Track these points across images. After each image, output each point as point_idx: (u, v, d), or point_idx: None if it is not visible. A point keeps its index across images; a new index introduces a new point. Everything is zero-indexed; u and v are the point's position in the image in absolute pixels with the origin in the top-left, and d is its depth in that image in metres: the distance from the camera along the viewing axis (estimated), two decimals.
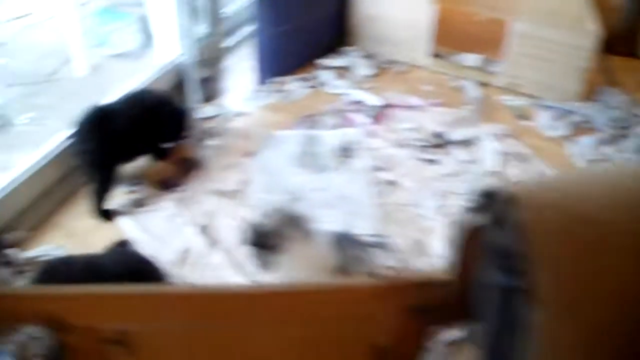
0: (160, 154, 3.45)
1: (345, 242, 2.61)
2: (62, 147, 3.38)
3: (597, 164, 3.62)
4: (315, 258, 2.41)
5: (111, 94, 3.50)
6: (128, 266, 2.42)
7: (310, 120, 3.83)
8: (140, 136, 3.25)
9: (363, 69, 4.36)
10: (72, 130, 3.20)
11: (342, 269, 2.41)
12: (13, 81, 4.59)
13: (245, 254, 2.77)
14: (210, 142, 3.62)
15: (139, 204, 3.25)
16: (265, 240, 2.36)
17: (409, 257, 2.90)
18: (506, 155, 3.61)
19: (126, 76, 3.88)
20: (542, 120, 3.96)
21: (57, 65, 4.77)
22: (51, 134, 3.95)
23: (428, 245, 2.98)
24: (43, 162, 3.29)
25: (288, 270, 2.35)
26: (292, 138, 3.62)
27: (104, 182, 3.19)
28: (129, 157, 3.32)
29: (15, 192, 3.15)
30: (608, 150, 3.72)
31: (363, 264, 2.53)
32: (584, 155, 3.66)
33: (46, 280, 2.26)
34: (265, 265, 2.48)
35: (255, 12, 3.95)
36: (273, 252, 2.36)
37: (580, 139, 3.79)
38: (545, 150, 3.70)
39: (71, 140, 3.26)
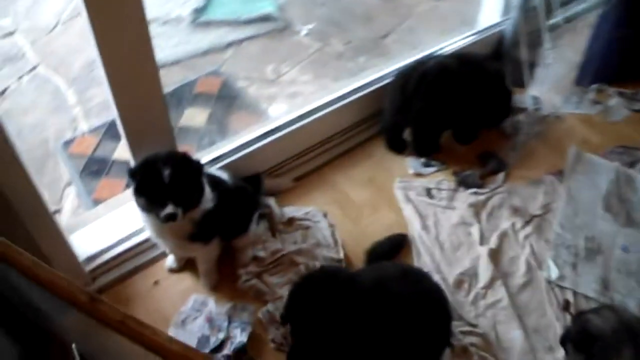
0: (470, 135, 3.22)
1: None
2: (357, 93, 3.22)
3: None
4: None
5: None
6: (415, 295, 2.20)
7: (627, 152, 3.40)
8: (468, 105, 3.05)
9: None
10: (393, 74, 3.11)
11: None
12: None
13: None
14: (519, 141, 3.28)
15: (429, 192, 3.05)
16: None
17: None
18: None
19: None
20: None
21: None
22: (336, 59, 3.90)
23: None
24: (340, 102, 3.15)
25: None
26: (605, 169, 3.27)
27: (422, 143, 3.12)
28: (448, 124, 3.11)
29: (296, 132, 3.02)
30: None
31: None
32: None
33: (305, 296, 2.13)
34: None
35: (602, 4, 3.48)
36: None
37: None
38: None
39: (391, 87, 3.13)
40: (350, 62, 3.99)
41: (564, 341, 2.17)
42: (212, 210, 2.23)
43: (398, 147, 3.27)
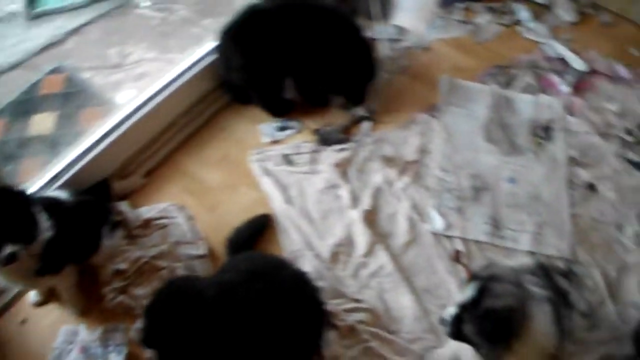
0: (318, 95, 2.91)
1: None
2: (201, 62, 2.88)
3: None
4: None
5: None
6: (277, 294, 1.99)
7: (501, 72, 3.23)
8: (302, 51, 2.70)
9: (563, 11, 3.61)
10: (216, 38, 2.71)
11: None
12: None
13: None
14: (382, 81, 3.01)
15: (288, 159, 2.75)
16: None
17: (601, 298, 2.48)
18: None
19: None
20: None
21: None
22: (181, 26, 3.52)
23: (625, 289, 2.52)
24: (182, 77, 2.81)
25: None
26: (482, 95, 3.09)
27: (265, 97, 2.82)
28: (283, 74, 2.81)
29: (139, 122, 2.69)
30: None
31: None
32: None
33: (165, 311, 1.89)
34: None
35: None
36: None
37: None
38: None
39: (215, 53, 2.78)
40: (196, 26, 3.61)
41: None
42: (53, 238, 2.03)
43: (244, 99, 2.93)
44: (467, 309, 1.73)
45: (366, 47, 2.76)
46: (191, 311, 1.83)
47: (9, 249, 1.84)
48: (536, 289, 1.86)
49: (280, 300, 1.95)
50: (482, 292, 1.73)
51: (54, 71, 3.45)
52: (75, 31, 3.67)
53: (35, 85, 3.37)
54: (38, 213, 1.99)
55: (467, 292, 1.74)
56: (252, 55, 2.58)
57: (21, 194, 2.00)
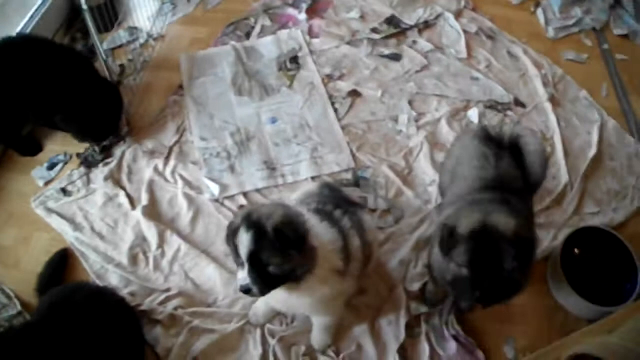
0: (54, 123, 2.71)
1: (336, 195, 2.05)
2: None
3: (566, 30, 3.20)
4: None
5: None
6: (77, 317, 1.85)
7: (238, 26, 3.17)
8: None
9: None
10: None
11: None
12: None
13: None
14: (128, 87, 2.88)
15: (65, 191, 2.62)
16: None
17: (397, 190, 2.46)
18: (473, 36, 3.11)
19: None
20: None
21: None
22: None
23: (415, 173, 2.52)
24: None
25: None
26: (223, 56, 2.99)
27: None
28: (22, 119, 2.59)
29: None
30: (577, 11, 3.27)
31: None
32: (552, 21, 3.22)
33: None
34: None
35: None
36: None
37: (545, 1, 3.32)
38: (513, 21, 3.21)
39: None
40: None
41: None
42: None
43: (31, 150, 2.74)
44: (253, 259, 1.57)
45: (108, 85, 2.63)
46: None
47: None
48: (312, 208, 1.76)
49: (84, 322, 1.84)
50: (257, 236, 1.57)
51: None
52: None
53: None
54: None
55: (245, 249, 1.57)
56: None
57: None
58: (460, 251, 1.63)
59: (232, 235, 1.56)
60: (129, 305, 2.07)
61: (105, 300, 2.01)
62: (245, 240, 1.52)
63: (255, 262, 1.53)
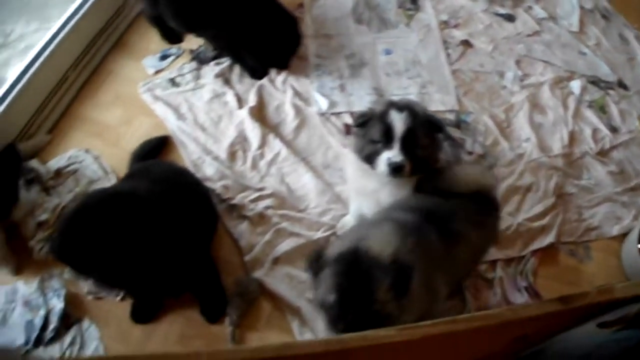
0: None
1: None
2: (80, 10, 2.85)
3: None
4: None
5: None
6: (169, 194, 1.96)
7: None
8: None
9: None
10: None
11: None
12: None
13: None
14: None
15: (174, 82, 2.79)
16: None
17: (494, 139, 2.57)
18: (587, 12, 3.16)
19: None
20: None
21: None
22: None
23: (513, 127, 2.62)
24: (60, 34, 2.76)
25: None
26: None
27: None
28: None
29: (30, 83, 2.64)
30: None
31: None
32: None
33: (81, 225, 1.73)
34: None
35: None
36: None
37: None
38: (630, 6, 3.25)
39: None
40: None
41: None
42: None
43: (173, 38, 2.82)
44: (408, 136, 1.73)
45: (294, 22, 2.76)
46: (102, 218, 1.76)
47: None
48: None
49: (186, 201, 1.98)
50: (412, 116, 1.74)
51: None
52: None
53: None
54: None
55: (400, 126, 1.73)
56: None
57: None
58: (326, 275, 1.41)
59: (379, 117, 1.71)
60: (204, 185, 2.24)
61: (184, 174, 2.19)
62: (399, 118, 1.66)
63: (408, 140, 1.68)
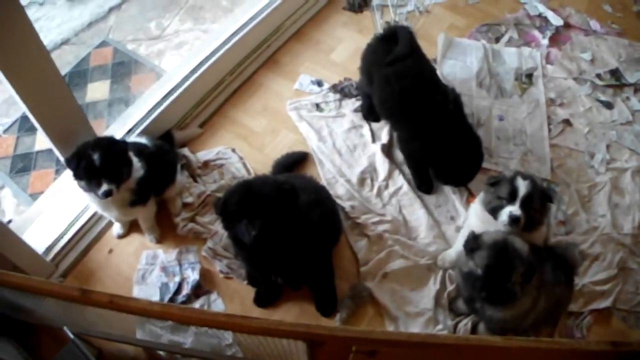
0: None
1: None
2: (243, 29, 3.37)
3: None
4: None
5: None
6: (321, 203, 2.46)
7: (490, 29, 3.78)
8: None
9: None
10: None
11: None
12: None
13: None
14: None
15: (318, 107, 3.30)
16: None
17: (575, 210, 3.02)
18: None
19: None
20: None
21: None
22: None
23: (592, 203, 3.08)
24: (223, 47, 3.29)
25: None
26: (474, 49, 3.62)
27: None
28: None
29: (192, 84, 3.14)
30: None
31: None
32: None
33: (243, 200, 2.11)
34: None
35: None
36: None
37: None
38: None
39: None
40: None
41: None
42: (143, 175, 2.49)
43: (373, 116, 3.26)
44: (527, 199, 2.29)
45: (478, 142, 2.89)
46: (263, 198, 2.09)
47: (106, 187, 2.31)
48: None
49: (322, 211, 2.45)
50: (533, 186, 2.32)
51: (101, 45, 3.89)
52: (115, 8, 4.09)
53: (86, 59, 3.81)
54: (132, 157, 2.46)
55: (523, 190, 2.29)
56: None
57: (121, 143, 2.46)
58: (481, 255, 2.07)
59: (509, 180, 2.30)
60: (335, 202, 2.73)
61: (322, 189, 2.67)
62: (523, 184, 2.26)
63: (527, 201, 2.25)
